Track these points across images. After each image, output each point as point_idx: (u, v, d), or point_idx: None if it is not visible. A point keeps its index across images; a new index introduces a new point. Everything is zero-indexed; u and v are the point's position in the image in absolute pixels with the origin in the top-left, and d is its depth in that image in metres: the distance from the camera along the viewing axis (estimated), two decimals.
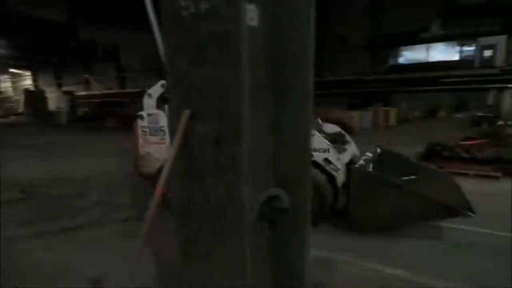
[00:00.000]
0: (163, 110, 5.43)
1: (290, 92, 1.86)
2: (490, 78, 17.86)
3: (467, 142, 8.44)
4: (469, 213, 3.69)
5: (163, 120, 5.37)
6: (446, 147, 7.88)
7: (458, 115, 19.81)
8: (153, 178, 5.45)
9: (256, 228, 1.82)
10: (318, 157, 4.44)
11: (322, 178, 4.35)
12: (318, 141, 4.46)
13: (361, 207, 4.02)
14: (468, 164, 7.25)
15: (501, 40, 18.70)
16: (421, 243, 3.92)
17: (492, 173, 6.85)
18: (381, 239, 3.92)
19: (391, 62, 23.75)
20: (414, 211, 3.83)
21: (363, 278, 3.17)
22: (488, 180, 6.71)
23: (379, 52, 24.26)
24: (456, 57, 21.17)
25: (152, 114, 5.48)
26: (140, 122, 5.60)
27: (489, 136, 9.09)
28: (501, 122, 12.73)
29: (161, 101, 5.49)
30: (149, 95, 5.55)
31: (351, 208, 4.12)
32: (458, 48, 21.33)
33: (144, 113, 5.55)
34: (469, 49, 20.44)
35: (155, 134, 5.49)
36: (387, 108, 19.87)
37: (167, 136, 5.33)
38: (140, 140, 5.64)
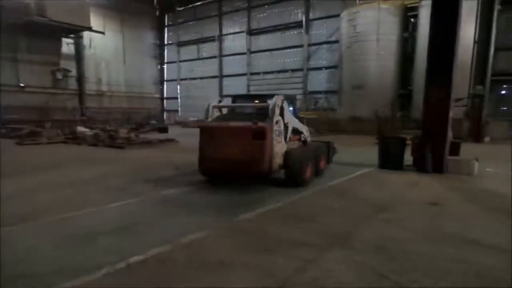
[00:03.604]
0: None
1: None
2: None
3: None
4: None
5: (282, 124, 7.27)
6: None
7: None
8: (270, 172, 7.28)
9: None
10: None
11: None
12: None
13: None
14: None
15: None
16: None
17: None
18: None
19: None
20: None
21: None
22: None
23: None
24: None
25: (278, 120, 7.08)
26: (275, 127, 6.88)
27: None
28: None
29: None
30: (278, 105, 6.97)
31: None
32: None
33: (280, 119, 6.97)
34: None
35: (279, 135, 7.14)
36: None
37: (282, 136, 7.39)
38: (274, 142, 6.86)
